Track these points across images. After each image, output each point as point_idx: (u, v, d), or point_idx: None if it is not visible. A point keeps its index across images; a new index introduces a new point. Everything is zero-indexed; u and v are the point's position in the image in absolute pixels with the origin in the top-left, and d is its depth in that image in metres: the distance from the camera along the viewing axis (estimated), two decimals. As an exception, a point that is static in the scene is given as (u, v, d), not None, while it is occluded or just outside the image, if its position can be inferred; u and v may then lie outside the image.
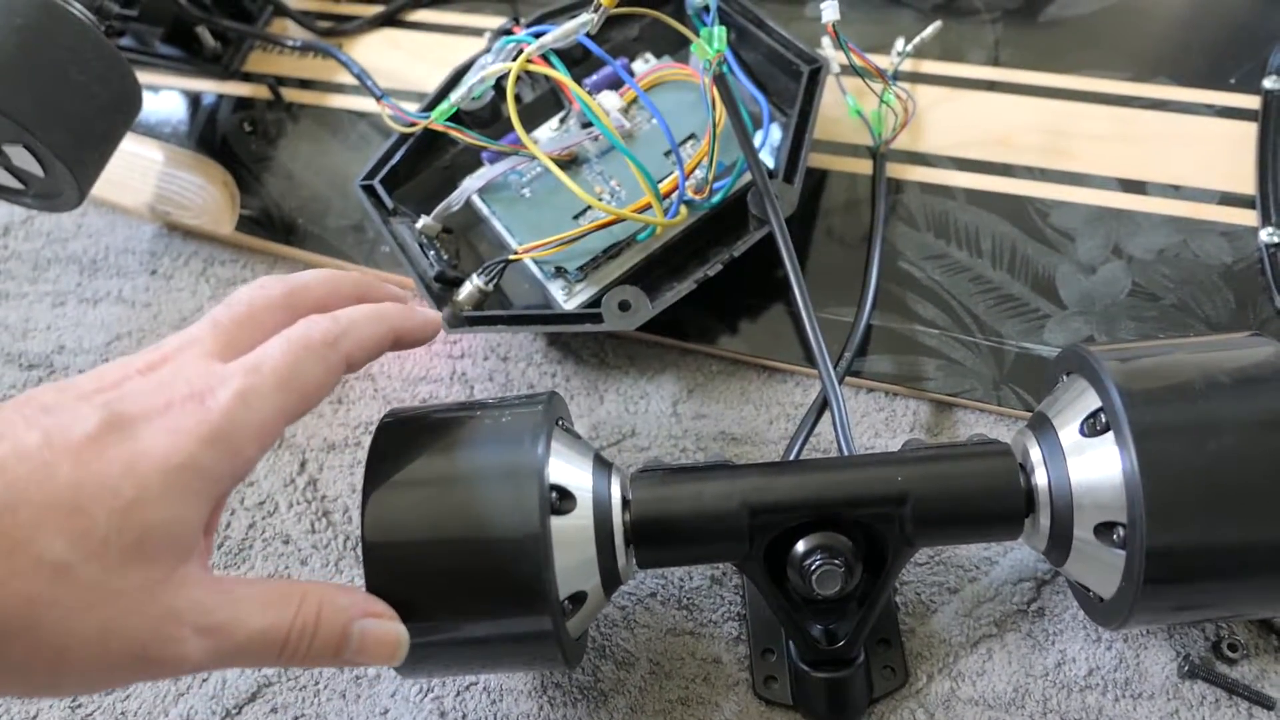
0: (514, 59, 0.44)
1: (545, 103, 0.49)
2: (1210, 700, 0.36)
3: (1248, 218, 0.45)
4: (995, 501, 0.34)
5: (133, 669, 0.26)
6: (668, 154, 0.44)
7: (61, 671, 0.25)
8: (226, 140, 0.54)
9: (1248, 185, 0.45)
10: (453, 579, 0.31)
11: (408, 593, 0.31)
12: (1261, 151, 0.46)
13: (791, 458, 0.40)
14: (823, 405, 0.41)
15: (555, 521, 0.32)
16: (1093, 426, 0.33)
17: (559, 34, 0.43)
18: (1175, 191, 0.46)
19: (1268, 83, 0.47)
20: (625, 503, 0.34)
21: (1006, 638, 0.38)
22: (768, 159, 0.46)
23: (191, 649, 0.26)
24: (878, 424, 0.43)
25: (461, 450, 0.33)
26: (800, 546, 0.34)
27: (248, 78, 0.56)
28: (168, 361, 0.29)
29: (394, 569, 0.31)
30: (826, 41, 0.49)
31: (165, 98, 0.56)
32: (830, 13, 0.45)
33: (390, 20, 0.57)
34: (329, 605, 0.29)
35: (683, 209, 0.43)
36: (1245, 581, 0.32)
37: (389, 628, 0.30)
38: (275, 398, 0.28)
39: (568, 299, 0.44)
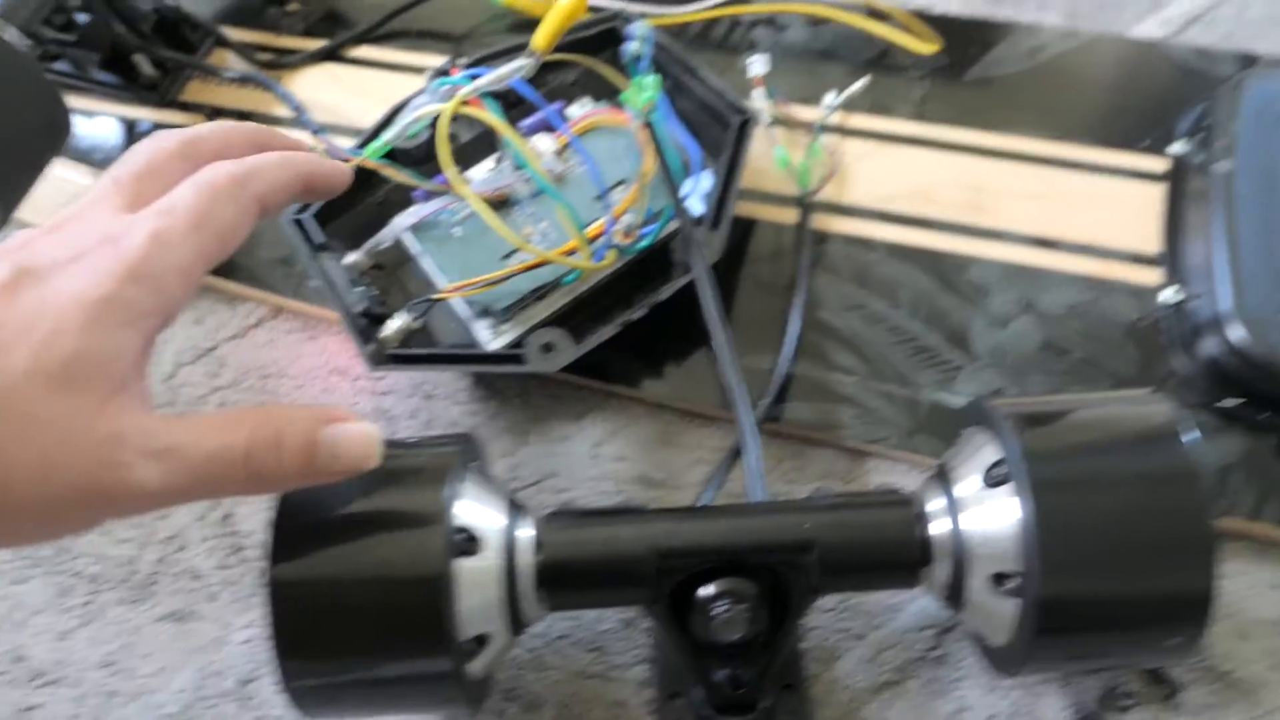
0: (449, 100, 0.45)
1: (481, 143, 0.50)
2: (1105, 748, 0.37)
3: (1154, 277, 0.46)
4: (893, 551, 0.34)
5: (86, 504, 0.26)
6: (598, 198, 0.45)
7: (9, 510, 0.25)
8: (161, 168, 0.54)
9: (1154, 245, 0.47)
10: (357, 618, 0.31)
11: (312, 631, 0.32)
12: (1168, 213, 0.48)
13: (703, 503, 0.40)
14: (738, 451, 0.41)
15: (461, 563, 0.32)
16: (992, 478, 0.33)
17: (493, 78, 0.43)
18: (1086, 250, 0.47)
19: (1175, 148, 0.49)
20: (536, 545, 0.34)
21: (908, 684, 0.39)
22: (699, 205, 0.47)
23: (144, 474, 0.26)
24: (792, 471, 0.44)
25: (372, 489, 0.33)
26: (705, 591, 0.34)
27: (185, 107, 0.56)
28: (73, 220, 0.28)
29: (299, 606, 0.31)
30: (758, 93, 0.50)
31: (100, 123, 0.56)
32: (758, 66, 0.46)
33: (332, 55, 0.58)
34: (286, 419, 0.28)
35: (610, 253, 0.44)
36: (1134, 633, 0.33)
37: (360, 427, 0.30)
38: (192, 237, 0.28)
39: (493, 339, 0.44)
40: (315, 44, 0.58)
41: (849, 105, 0.52)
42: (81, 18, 0.53)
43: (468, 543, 0.32)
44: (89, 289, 0.26)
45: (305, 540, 0.32)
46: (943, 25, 0.55)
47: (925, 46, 0.54)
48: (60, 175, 0.53)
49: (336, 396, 0.47)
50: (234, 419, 0.28)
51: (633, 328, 0.43)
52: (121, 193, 0.29)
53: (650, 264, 0.45)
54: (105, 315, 0.26)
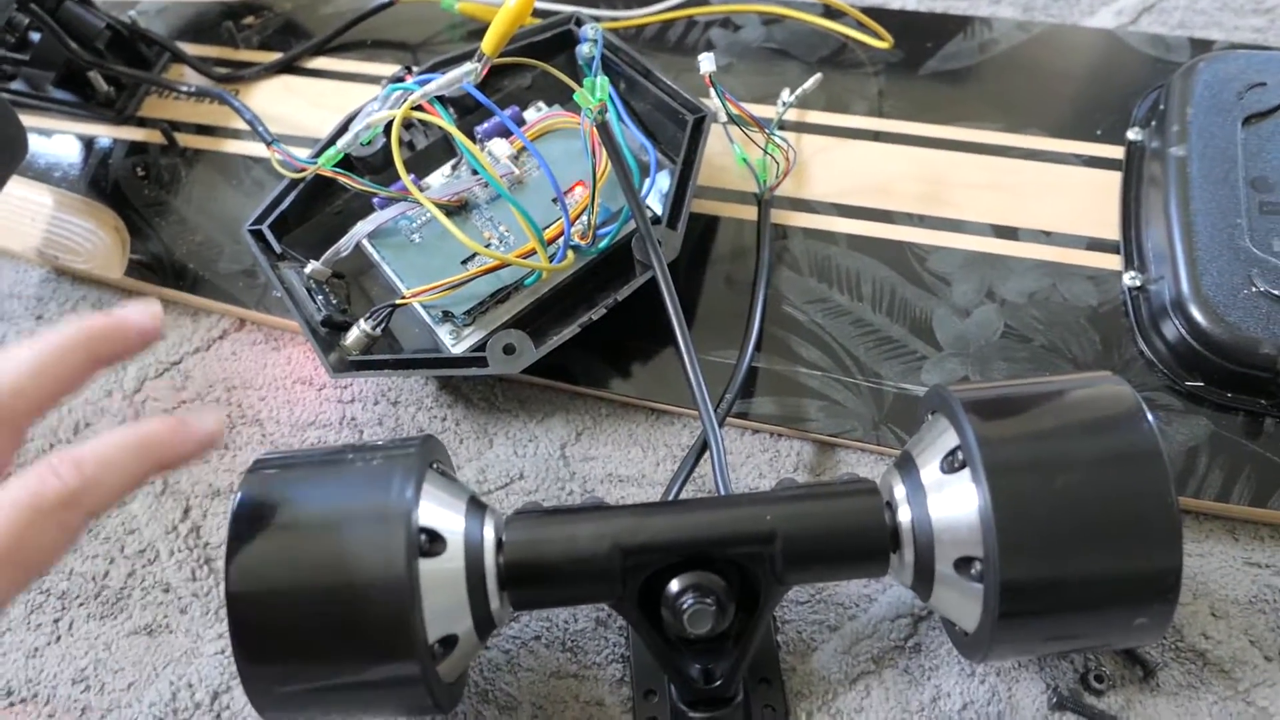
0: (401, 106, 0.45)
1: (438, 149, 0.50)
2: (1079, 730, 0.37)
3: (1112, 262, 0.47)
4: (861, 539, 0.34)
5: None
6: (555, 200, 0.45)
7: None
8: (119, 185, 0.54)
9: (1113, 231, 0.47)
10: (320, 625, 0.31)
11: (275, 640, 0.31)
12: (1125, 199, 0.48)
13: (670, 498, 0.40)
14: (703, 446, 0.41)
15: (424, 564, 0.32)
16: (951, 464, 0.34)
17: (442, 82, 0.43)
18: (1045, 237, 0.48)
19: (1131, 134, 0.50)
20: (499, 545, 0.34)
21: (884, 674, 0.39)
22: (657, 205, 0.47)
23: None
24: (762, 464, 0.44)
25: (330, 494, 0.33)
26: (673, 586, 0.34)
27: (142, 123, 0.56)
28: None
29: (260, 616, 0.31)
30: (715, 92, 0.50)
31: (57, 141, 0.56)
32: (707, 64, 0.46)
33: (288, 67, 0.57)
34: None
35: (569, 254, 0.44)
36: (1096, 612, 0.33)
37: None
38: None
39: (455, 343, 0.44)
40: (271, 56, 0.58)
41: (806, 102, 0.52)
42: (34, 36, 0.52)
43: (430, 543, 0.32)
44: None
45: (263, 549, 0.32)
46: (897, 21, 0.55)
47: (879, 43, 0.54)
48: (18, 194, 0.53)
49: (302, 406, 0.46)
50: None
51: (597, 328, 0.43)
52: None
53: (611, 264, 0.45)
54: None
